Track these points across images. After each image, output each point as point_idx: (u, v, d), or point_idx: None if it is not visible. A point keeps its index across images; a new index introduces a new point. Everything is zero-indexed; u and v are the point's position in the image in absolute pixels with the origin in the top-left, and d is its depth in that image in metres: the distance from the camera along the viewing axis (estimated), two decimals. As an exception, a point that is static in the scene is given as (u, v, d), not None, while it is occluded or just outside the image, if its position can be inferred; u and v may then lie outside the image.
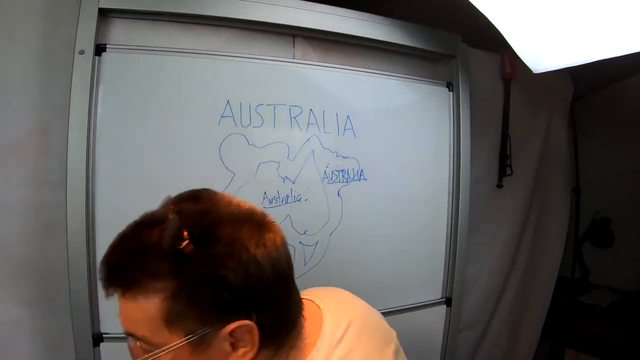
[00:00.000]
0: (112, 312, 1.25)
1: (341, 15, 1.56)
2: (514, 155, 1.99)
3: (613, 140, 2.32)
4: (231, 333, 0.65)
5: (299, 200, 1.48)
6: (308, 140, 1.49)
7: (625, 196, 2.31)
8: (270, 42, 1.51)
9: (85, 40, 1.28)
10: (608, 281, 2.31)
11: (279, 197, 1.46)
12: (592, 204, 2.40)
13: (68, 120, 1.26)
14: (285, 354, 0.74)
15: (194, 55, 1.38)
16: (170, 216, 0.64)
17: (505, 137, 1.96)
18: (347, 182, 1.55)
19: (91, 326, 1.28)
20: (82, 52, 1.28)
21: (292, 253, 1.45)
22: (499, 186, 2.00)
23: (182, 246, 0.61)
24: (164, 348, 0.64)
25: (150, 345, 0.65)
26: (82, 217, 1.26)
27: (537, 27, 1.38)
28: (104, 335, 1.31)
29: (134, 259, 0.64)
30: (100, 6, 1.29)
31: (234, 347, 0.67)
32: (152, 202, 1.28)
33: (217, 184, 1.37)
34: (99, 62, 1.31)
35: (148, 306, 0.63)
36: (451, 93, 1.76)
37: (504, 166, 1.97)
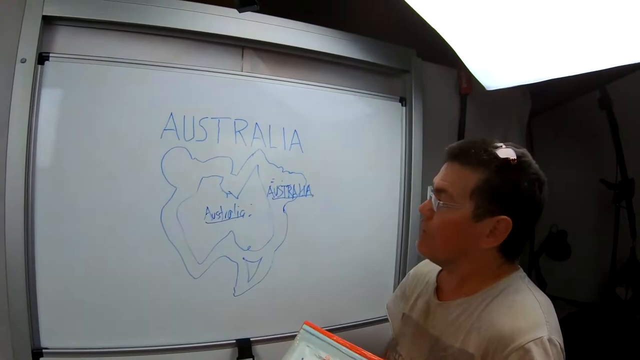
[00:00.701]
0: (52, 326, 1.29)
1: (292, 27, 1.56)
2: (470, 171, 1.97)
3: (569, 154, 2.35)
4: (498, 220, 0.95)
5: (243, 215, 1.46)
6: (253, 154, 1.47)
7: (580, 209, 2.34)
8: (219, 54, 1.50)
9: (28, 48, 1.26)
10: (565, 293, 2.32)
11: (221, 212, 1.44)
12: (549, 217, 2.41)
13: (8, 131, 1.23)
14: (500, 262, 1.01)
15: (140, 66, 1.37)
16: (509, 145, 0.98)
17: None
18: (292, 197, 1.54)
19: (30, 340, 1.26)
20: (23, 61, 1.26)
21: (234, 269, 1.47)
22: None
23: (511, 159, 0.95)
24: (459, 204, 0.97)
25: (452, 200, 0.98)
26: (20, 231, 1.25)
27: (489, 47, 1.40)
28: (43, 350, 1.29)
29: (477, 151, 0.97)
30: (44, 13, 1.28)
31: (490, 232, 0.96)
32: (94, 217, 1.28)
33: (158, 198, 1.37)
34: (42, 71, 1.29)
35: (470, 177, 0.96)
36: (404, 108, 1.76)
37: (459, 182, 1.95)
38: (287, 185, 1.53)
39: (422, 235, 1.07)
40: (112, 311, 1.34)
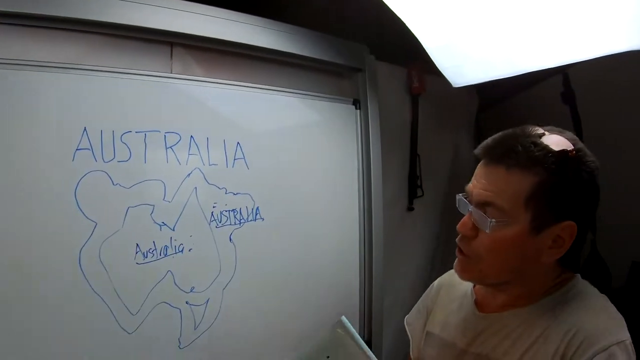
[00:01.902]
0: None
1: (230, 19, 1.34)
2: (424, 174, 1.87)
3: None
4: (563, 228, 0.82)
5: (182, 250, 1.23)
6: (189, 175, 1.24)
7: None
8: (142, 52, 1.24)
9: None
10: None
11: (155, 250, 1.19)
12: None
13: None
14: (560, 271, 0.90)
15: (41, 69, 1.06)
16: (559, 131, 0.86)
17: (414, 156, 1.83)
18: (240, 223, 1.33)
19: None
20: None
21: (177, 317, 1.21)
22: (410, 209, 1.87)
23: (568, 150, 0.81)
24: (513, 217, 0.82)
25: (502, 214, 0.83)
26: None
27: (462, 40, 1.33)
28: None
29: (524, 146, 0.82)
30: None
31: (553, 242, 0.84)
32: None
33: (73, 237, 1.09)
34: None
35: (520, 183, 0.82)
36: (358, 111, 1.61)
37: (414, 187, 1.86)
38: (233, 210, 1.31)
39: (463, 259, 0.92)
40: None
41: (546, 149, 0.81)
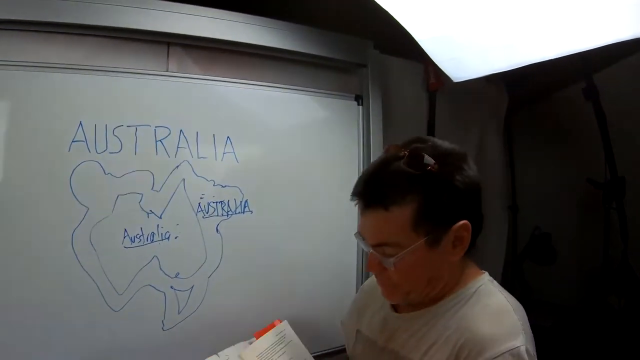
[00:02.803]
0: None
1: (226, 19, 1.41)
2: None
3: (550, 154, 2.19)
4: (456, 230, 0.85)
5: (168, 238, 1.30)
6: (177, 167, 1.31)
7: (564, 210, 2.18)
8: (140, 53, 1.34)
9: None
10: (550, 297, 2.17)
11: (142, 235, 1.27)
12: (531, 219, 2.26)
13: None
14: (464, 265, 0.94)
15: (42, 69, 1.20)
16: (416, 150, 0.85)
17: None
18: (227, 215, 1.38)
19: None
20: None
21: (161, 300, 1.29)
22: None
23: (430, 166, 0.82)
24: (411, 247, 0.84)
25: (399, 248, 0.85)
26: None
27: (458, 29, 1.26)
28: None
29: (391, 182, 0.85)
30: None
31: (454, 244, 0.87)
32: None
33: (67, 221, 1.20)
34: None
35: (401, 216, 0.84)
36: (360, 107, 1.60)
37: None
38: (220, 202, 1.37)
39: (385, 288, 0.96)
40: (19, 355, 1.17)
41: (411, 176, 0.83)
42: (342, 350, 1.52)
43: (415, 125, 1.80)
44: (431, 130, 1.79)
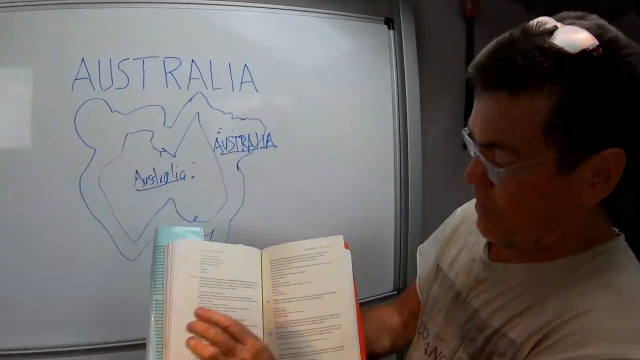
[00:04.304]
0: None
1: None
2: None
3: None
4: (604, 159, 0.60)
5: (183, 178, 1.19)
6: (190, 99, 1.20)
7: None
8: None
9: None
10: None
11: (155, 177, 1.17)
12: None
13: None
14: (596, 217, 0.68)
15: (39, 7, 1.10)
16: (574, 24, 0.60)
17: (470, 88, 1.59)
18: (248, 151, 1.25)
19: None
20: None
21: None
22: (466, 147, 1.63)
23: (591, 48, 0.57)
24: (533, 161, 0.61)
25: (516, 157, 0.62)
26: None
27: None
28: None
29: (527, 58, 0.59)
30: None
31: (594, 179, 0.62)
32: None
33: (73, 164, 1.12)
34: None
35: (531, 110, 0.60)
36: (392, 31, 1.44)
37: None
38: (240, 136, 1.24)
39: (483, 216, 0.72)
40: (28, 307, 1.10)
41: (559, 53, 0.57)
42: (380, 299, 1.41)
43: (452, 55, 1.62)
44: (469, 60, 1.61)
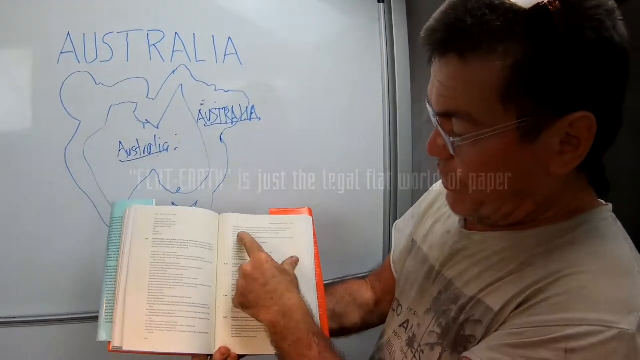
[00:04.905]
0: None
1: None
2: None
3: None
4: (571, 123, 0.56)
5: (167, 149, 1.20)
6: (174, 72, 1.20)
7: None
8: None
9: None
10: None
11: (138, 147, 1.18)
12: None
13: None
14: (577, 185, 0.65)
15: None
16: None
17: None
18: (232, 122, 1.25)
19: None
20: None
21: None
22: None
23: (547, 1, 0.53)
24: (492, 128, 0.57)
25: (473, 125, 0.59)
26: None
27: None
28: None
29: (477, 17, 0.55)
30: None
31: (563, 146, 0.58)
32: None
33: (59, 135, 1.14)
34: None
35: (485, 74, 0.56)
36: (382, 4, 1.43)
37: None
38: (224, 108, 1.24)
39: (450, 190, 0.69)
40: (10, 276, 1.13)
41: (512, 9, 0.54)
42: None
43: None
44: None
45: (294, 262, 0.90)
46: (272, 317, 0.78)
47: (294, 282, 0.85)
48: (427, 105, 0.65)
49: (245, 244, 0.90)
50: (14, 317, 1.13)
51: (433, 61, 0.61)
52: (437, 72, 0.61)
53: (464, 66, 0.57)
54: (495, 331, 0.59)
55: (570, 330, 0.51)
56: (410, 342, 0.76)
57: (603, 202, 0.67)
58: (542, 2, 0.53)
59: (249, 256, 0.87)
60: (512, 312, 0.59)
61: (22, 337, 1.13)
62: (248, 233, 0.92)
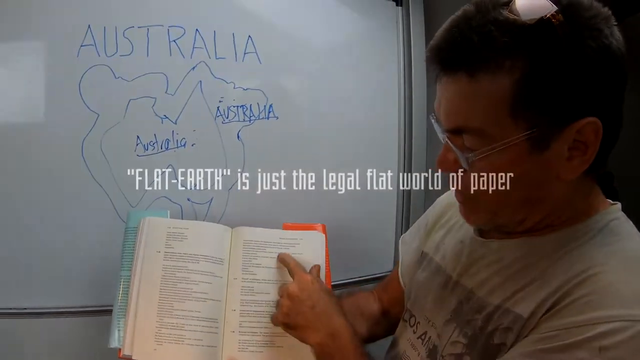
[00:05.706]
0: None
1: None
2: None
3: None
4: (579, 130, 0.57)
5: (184, 145, 1.20)
6: (193, 68, 1.21)
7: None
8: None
9: None
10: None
11: (156, 142, 1.19)
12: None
13: None
14: (586, 189, 0.66)
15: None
16: None
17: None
18: (250, 120, 1.26)
19: None
20: None
21: (178, 213, 1.18)
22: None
23: (550, 16, 0.55)
24: (503, 142, 0.58)
25: (484, 139, 0.60)
26: None
27: None
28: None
29: (482, 34, 0.57)
30: None
31: (571, 153, 0.59)
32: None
33: (77, 128, 1.14)
34: None
35: (494, 90, 0.57)
36: (399, 8, 1.44)
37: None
38: (242, 106, 1.25)
39: (462, 203, 0.71)
40: (27, 268, 1.13)
41: (516, 25, 0.55)
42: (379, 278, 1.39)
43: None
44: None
45: (318, 270, 0.92)
46: (322, 339, 0.80)
47: (339, 302, 0.86)
48: (434, 122, 0.67)
49: (288, 264, 0.91)
50: (25, 309, 1.13)
51: (440, 79, 0.62)
52: (445, 90, 0.62)
53: (473, 83, 0.58)
54: (526, 337, 0.59)
55: (601, 328, 0.52)
56: (432, 354, 0.76)
57: (611, 202, 0.68)
58: (546, 16, 0.54)
59: (293, 277, 0.88)
60: (541, 316, 0.59)
61: (33, 329, 1.13)
62: (289, 254, 0.93)
